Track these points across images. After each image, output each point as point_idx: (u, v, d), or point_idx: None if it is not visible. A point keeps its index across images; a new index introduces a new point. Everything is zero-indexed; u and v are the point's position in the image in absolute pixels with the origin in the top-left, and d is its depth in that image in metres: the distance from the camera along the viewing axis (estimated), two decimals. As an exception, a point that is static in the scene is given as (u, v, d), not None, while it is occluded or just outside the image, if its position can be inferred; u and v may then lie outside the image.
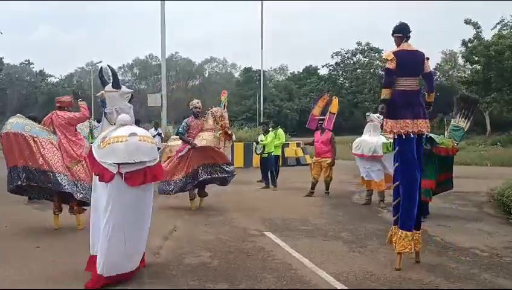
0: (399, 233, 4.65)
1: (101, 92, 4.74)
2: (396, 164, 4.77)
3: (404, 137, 4.63)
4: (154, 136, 15.12)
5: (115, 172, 3.99)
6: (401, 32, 4.79)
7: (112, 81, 4.56)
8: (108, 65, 5.43)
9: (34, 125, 6.08)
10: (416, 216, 4.76)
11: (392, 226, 4.90)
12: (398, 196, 4.74)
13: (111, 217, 4.01)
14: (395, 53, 4.63)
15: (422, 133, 4.71)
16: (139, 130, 4.26)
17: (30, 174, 5.82)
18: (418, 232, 4.81)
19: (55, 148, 6.02)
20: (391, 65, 4.57)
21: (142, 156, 4.05)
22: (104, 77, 4.76)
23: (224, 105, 7.93)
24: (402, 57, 4.61)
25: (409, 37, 4.78)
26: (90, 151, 4.40)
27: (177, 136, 8.09)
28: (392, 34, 4.86)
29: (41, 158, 5.86)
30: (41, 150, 5.89)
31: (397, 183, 4.76)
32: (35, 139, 5.88)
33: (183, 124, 7.83)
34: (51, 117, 6.22)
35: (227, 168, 7.78)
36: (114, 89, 4.55)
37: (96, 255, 4.26)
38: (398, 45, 4.80)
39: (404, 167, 4.69)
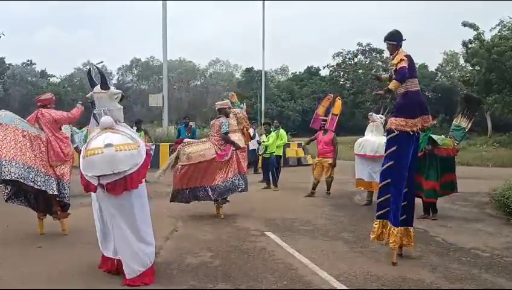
0: (392, 229, 4.80)
1: (90, 93, 4.68)
2: (391, 163, 4.86)
3: (406, 136, 4.77)
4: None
5: (96, 184, 4.06)
6: (395, 40, 4.94)
7: (100, 82, 4.52)
8: (95, 66, 5.39)
9: (22, 120, 5.80)
10: (409, 213, 4.98)
11: (377, 221, 4.99)
12: (386, 194, 4.88)
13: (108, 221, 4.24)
14: (405, 56, 4.75)
15: (423, 129, 4.91)
16: (116, 138, 4.16)
17: (19, 169, 5.40)
18: (411, 228, 5.00)
19: (42, 145, 5.75)
20: (407, 64, 4.68)
21: (120, 166, 4.03)
22: (93, 78, 4.72)
23: (244, 107, 7.91)
24: (410, 60, 4.77)
25: (401, 44, 4.92)
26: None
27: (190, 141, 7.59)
28: (385, 41, 4.99)
29: (30, 154, 5.56)
30: (30, 145, 5.60)
31: (388, 181, 4.87)
32: (25, 133, 5.60)
33: (226, 123, 7.21)
34: (36, 115, 5.92)
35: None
36: (102, 90, 4.49)
37: (104, 255, 4.49)
38: (391, 51, 4.95)
39: (399, 167, 4.81)
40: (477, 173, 14.15)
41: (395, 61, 4.80)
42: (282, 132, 11.57)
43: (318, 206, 8.43)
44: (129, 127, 4.70)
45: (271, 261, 4.93)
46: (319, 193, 9.54)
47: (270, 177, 11.01)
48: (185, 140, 7.45)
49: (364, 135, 8.82)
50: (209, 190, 7.12)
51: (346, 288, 4.14)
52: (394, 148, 4.84)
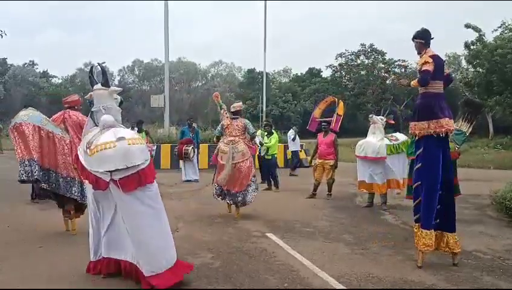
0: (419, 232, 4.76)
1: (90, 93, 4.65)
2: (419, 165, 4.85)
3: (431, 137, 4.74)
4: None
5: (108, 180, 3.92)
6: (423, 38, 4.88)
7: (102, 79, 4.48)
8: (99, 64, 5.38)
9: (49, 120, 5.80)
10: (452, 219, 4.86)
11: (415, 224, 4.94)
12: (419, 196, 4.84)
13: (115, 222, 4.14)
14: (431, 57, 4.70)
15: (449, 130, 4.79)
16: (126, 133, 4.15)
17: (43, 171, 5.53)
18: (453, 234, 4.85)
19: (66, 148, 5.76)
20: (430, 67, 4.65)
21: (134, 160, 3.94)
22: (94, 76, 4.70)
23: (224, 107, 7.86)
24: (436, 61, 4.72)
25: (429, 43, 4.87)
26: (76, 156, 4.30)
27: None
28: (413, 39, 4.94)
29: (52, 156, 5.62)
30: (54, 147, 5.64)
31: (418, 183, 4.84)
32: (50, 134, 5.62)
33: (250, 123, 7.66)
34: (63, 116, 5.98)
35: None
36: (103, 87, 4.47)
37: (93, 261, 4.38)
38: (419, 50, 4.90)
39: (428, 168, 4.77)
40: (479, 175, 14.14)
41: (420, 62, 4.77)
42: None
43: (319, 208, 8.43)
44: (128, 129, 4.67)
45: (272, 262, 4.93)
46: (320, 195, 9.54)
47: (272, 179, 11.02)
48: (222, 138, 7.61)
49: (366, 137, 8.81)
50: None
51: (347, 289, 4.14)
52: (420, 150, 4.85)
